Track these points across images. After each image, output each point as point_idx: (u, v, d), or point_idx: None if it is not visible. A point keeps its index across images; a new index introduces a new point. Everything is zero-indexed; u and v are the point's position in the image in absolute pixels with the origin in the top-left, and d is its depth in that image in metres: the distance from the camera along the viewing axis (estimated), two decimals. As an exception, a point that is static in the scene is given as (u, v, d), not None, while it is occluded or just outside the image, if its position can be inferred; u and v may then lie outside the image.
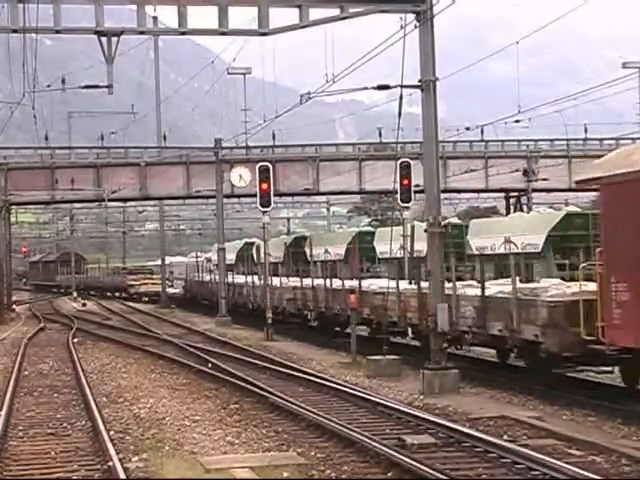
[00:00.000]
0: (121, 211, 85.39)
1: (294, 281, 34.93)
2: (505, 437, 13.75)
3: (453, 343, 21.05)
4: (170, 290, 63.61)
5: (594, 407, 16.05)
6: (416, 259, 26.74)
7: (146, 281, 71.26)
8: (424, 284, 21.76)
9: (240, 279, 43.93)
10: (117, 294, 77.37)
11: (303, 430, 14.71)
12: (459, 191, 53.15)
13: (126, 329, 39.02)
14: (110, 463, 12.06)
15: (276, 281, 36.10)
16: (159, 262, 68.53)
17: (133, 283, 73.04)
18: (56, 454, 13.30)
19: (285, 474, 11.85)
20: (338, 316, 29.13)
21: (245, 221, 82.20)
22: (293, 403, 16.54)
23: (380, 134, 47.29)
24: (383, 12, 19.88)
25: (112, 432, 14.53)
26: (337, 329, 31.63)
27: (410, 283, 24.79)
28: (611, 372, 17.68)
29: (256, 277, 40.45)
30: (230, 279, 44.99)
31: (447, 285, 20.36)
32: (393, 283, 24.65)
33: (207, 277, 51.85)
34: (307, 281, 32.87)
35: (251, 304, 39.99)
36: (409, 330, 23.84)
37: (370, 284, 27.47)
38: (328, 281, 30.51)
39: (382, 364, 21.84)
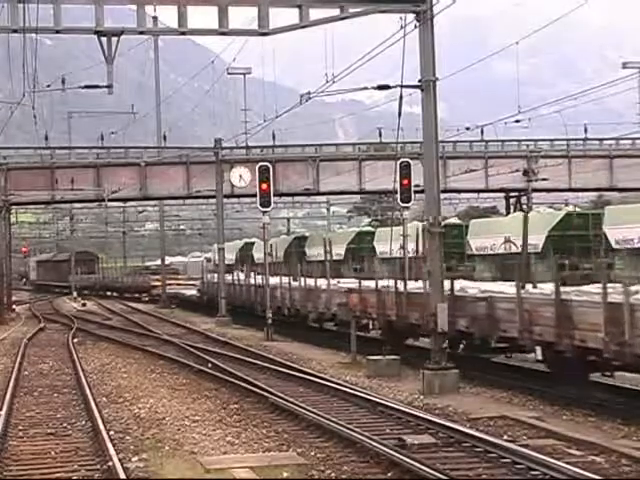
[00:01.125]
0: (121, 211, 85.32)
1: (348, 282, 29.43)
2: (505, 437, 13.75)
3: (622, 370, 16.70)
4: (186, 292, 57.68)
5: (594, 407, 16.04)
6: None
7: (171, 281, 65.16)
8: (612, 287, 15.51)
9: (273, 280, 36.86)
10: (137, 295, 71.13)
11: (303, 430, 14.71)
12: (459, 191, 53.18)
13: (126, 329, 39.02)
14: (110, 463, 12.06)
15: (320, 282, 31.09)
16: (163, 261, 67.82)
17: (157, 284, 66.42)
18: (56, 454, 13.29)
19: (285, 474, 11.85)
20: (414, 327, 22.88)
21: (245, 221, 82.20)
22: (293, 403, 16.54)
23: (380, 134, 47.31)
24: (383, 12, 19.89)
25: (112, 432, 14.53)
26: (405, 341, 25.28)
27: (531, 287, 19.20)
28: None
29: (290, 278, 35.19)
30: (259, 281, 38.93)
31: (613, 289, 15.41)
32: (503, 287, 19.73)
33: (230, 277, 45.09)
34: (368, 282, 26.59)
35: (287, 309, 34.62)
36: (537, 350, 18.79)
37: (464, 287, 21.57)
38: (401, 283, 24.04)
39: (382, 364, 21.84)
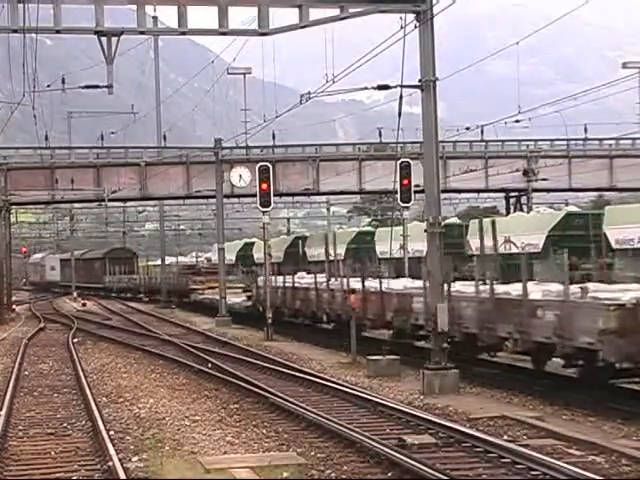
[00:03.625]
0: (121, 211, 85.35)
1: (613, 290, 16.84)
2: (505, 437, 13.75)
3: None
4: (234, 299, 43.76)
5: (594, 407, 16.04)
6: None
7: (214, 285, 49.81)
8: None
9: (396, 284, 25.37)
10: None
11: (303, 430, 14.71)
12: (459, 191, 53.17)
13: (126, 329, 39.00)
14: (110, 463, 12.06)
15: (500, 288, 19.41)
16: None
17: (196, 287, 53.53)
18: (56, 454, 13.30)
19: (285, 474, 11.86)
20: None
21: (245, 221, 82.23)
22: (293, 403, 16.54)
23: (380, 134, 47.31)
24: (383, 12, 19.89)
25: (112, 432, 14.54)
26: None
27: None
28: None
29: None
30: (355, 284, 26.51)
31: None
32: None
33: (310, 280, 32.24)
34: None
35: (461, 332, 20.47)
36: None
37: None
38: None
39: (382, 364, 21.84)
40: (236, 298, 43.61)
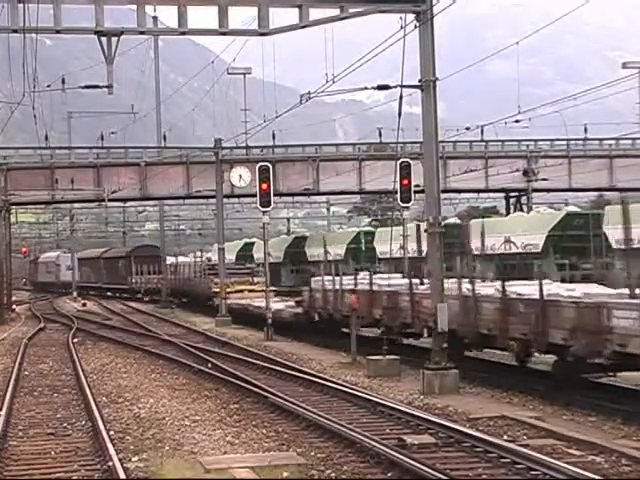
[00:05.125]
0: (121, 211, 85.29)
1: None
2: (505, 437, 13.75)
3: None
4: (274, 305, 34.85)
5: (594, 407, 16.04)
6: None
7: (241, 287, 45.10)
8: None
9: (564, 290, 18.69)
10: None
11: (303, 430, 14.71)
12: (459, 191, 53.19)
13: (126, 329, 39.00)
14: (110, 463, 12.06)
15: None
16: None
17: (219, 290, 44.69)
18: (56, 454, 13.31)
19: (285, 474, 11.86)
20: None
21: (245, 221, 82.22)
22: (293, 403, 16.54)
23: (380, 134, 47.32)
24: (383, 12, 19.90)
25: (112, 432, 14.54)
26: None
27: None
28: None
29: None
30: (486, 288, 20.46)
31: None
32: None
33: (399, 282, 25.81)
34: None
35: None
36: None
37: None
38: None
39: (382, 364, 21.84)
40: (276, 304, 35.78)
